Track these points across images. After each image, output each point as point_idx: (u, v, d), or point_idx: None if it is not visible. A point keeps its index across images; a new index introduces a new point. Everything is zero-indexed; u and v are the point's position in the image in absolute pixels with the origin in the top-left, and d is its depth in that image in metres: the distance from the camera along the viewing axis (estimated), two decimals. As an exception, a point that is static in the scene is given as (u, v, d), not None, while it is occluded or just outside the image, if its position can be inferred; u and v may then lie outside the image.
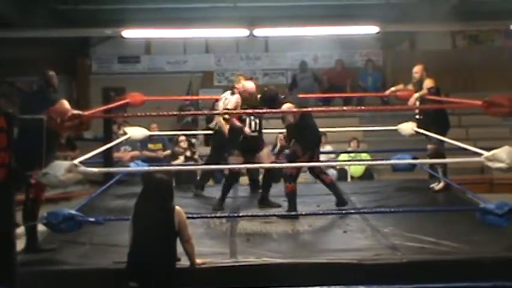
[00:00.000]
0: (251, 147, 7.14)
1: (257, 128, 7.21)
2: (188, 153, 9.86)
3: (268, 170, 7.23)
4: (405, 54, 14.44)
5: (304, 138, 6.78)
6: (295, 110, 6.76)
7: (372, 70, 14.48)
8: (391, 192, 7.61)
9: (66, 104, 5.57)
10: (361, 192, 7.34)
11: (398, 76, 12.74)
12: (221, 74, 15.12)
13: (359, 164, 10.67)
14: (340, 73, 14.18)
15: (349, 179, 10.73)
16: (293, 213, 6.60)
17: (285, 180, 6.83)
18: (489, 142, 8.90)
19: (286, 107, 6.74)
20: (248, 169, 7.90)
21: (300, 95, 8.03)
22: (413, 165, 8.19)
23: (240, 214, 6.72)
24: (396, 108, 10.35)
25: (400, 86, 8.47)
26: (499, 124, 12.95)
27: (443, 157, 7.76)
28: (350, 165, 6.71)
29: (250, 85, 7.39)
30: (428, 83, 7.82)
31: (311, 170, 7.22)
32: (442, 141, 7.58)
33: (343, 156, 10.40)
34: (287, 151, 7.50)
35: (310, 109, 6.80)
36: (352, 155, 10.52)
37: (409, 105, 7.91)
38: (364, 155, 10.56)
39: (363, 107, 11.25)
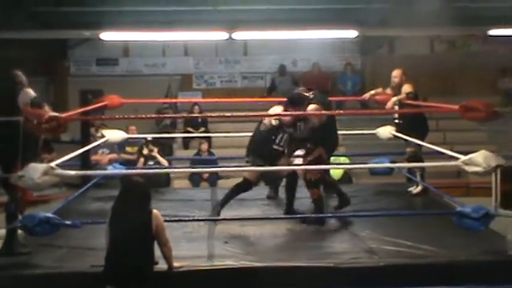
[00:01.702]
0: (273, 160, 6.73)
1: (285, 143, 6.80)
2: (145, 151, 9.73)
3: (289, 180, 6.91)
4: (384, 58, 14.54)
5: (329, 141, 6.63)
6: (272, 114, 6.75)
7: (351, 74, 14.55)
8: (369, 196, 7.63)
9: (31, 92, 5.55)
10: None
11: (377, 80, 12.79)
12: (200, 77, 15.11)
13: (337, 168, 10.68)
14: (317, 77, 14.21)
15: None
16: (271, 217, 6.60)
17: (309, 187, 6.67)
18: (466, 146, 9.00)
19: (311, 108, 6.56)
20: (270, 179, 7.66)
21: (278, 99, 8.02)
22: (392, 169, 8.25)
23: (218, 217, 6.72)
24: (375, 113, 10.40)
25: (379, 90, 8.51)
26: (476, 128, 13.10)
27: (421, 161, 7.81)
28: (328, 168, 6.74)
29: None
30: (406, 88, 7.87)
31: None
32: (420, 145, 7.63)
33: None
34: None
35: (287, 113, 6.73)
36: (330, 158, 10.53)
37: (388, 109, 7.95)
38: (342, 159, 10.56)
39: (341, 111, 11.30)
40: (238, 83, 15.15)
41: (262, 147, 6.74)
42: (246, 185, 6.81)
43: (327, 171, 6.99)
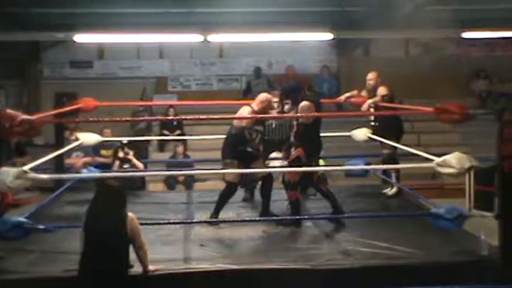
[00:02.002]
0: (248, 158, 6.74)
1: (258, 144, 6.89)
2: (121, 154, 9.68)
3: (265, 181, 6.88)
4: (359, 61, 14.60)
5: (311, 143, 6.59)
6: (249, 116, 6.76)
7: (328, 76, 14.59)
8: (344, 198, 7.66)
9: None
10: (315, 198, 7.37)
11: (353, 82, 12.84)
12: (175, 79, 15.06)
13: (313, 170, 10.71)
14: (292, 79, 14.22)
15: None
16: (247, 219, 6.60)
17: (286, 188, 6.66)
18: (440, 148, 9.09)
19: (303, 105, 6.52)
20: (245, 181, 7.57)
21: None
22: (367, 171, 8.28)
23: (194, 220, 6.70)
24: (350, 115, 10.44)
25: (355, 92, 8.55)
26: (450, 130, 13.23)
27: (397, 163, 7.87)
28: (304, 171, 6.74)
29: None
30: (382, 90, 7.93)
31: (307, 179, 6.88)
32: (396, 147, 7.69)
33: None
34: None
35: (259, 116, 6.74)
36: (319, 160, 10.54)
37: (363, 111, 8.00)
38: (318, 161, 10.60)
39: (316, 113, 11.31)
40: (213, 86, 15.14)
41: (235, 150, 6.75)
42: (231, 189, 6.81)
43: (323, 178, 6.93)
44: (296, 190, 6.61)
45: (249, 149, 6.74)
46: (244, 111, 6.87)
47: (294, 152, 6.56)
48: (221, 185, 11.66)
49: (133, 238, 4.87)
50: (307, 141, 6.55)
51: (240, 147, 6.72)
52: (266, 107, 6.84)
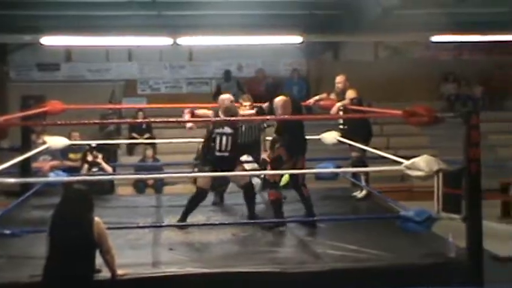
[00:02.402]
0: (222, 165, 6.62)
1: (228, 147, 6.68)
2: (89, 158, 9.62)
3: (248, 186, 6.78)
4: (328, 64, 14.70)
5: (291, 141, 6.48)
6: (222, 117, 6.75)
7: (297, 79, 14.64)
8: (314, 201, 7.62)
9: None
10: (285, 202, 7.37)
11: (322, 85, 12.95)
12: (145, 82, 15.00)
13: (282, 173, 10.76)
14: (262, 82, 14.24)
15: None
16: (216, 222, 6.59)
17: (266, 188, 6.61)
18: (409, 151, 9.13)
19: (279, 100, 6.44)
20: (215, 185, 7.54)
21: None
22: (337, 174, 8.31)
23: (163, 224, 6.67)
24: (319, 118, 10.48)
25: (324, 96, 8.58)
26: (419, 133, 13.36)
27: (366, 166, 7.91)
28: (273, 174, 6.75)
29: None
30: (350, 93, 7.97)
31: (291, 179, 6.84)
32: (365, 150, 7.73)
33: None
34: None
35: (228, 118, 6.73)
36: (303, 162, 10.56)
37: (332, 114, 8.03)
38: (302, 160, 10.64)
39: (286, 116, 11.34)
40: (183, 89, 15.10)
41: (205, 155, 6.75)
42: (201, 194, 6.77)
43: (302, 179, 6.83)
44: (277, 189, 6.57)
45: (220, 154, 6.68)
46: (208, 114, 6.89)
47: (276, 151, 6.50)
48: (191, 189, 11.70)
49: (100, 242, 4.82)
50: (289, 139, 6.50)
51: (210, 153, 6.70)
52: (229, 109, 6.79)
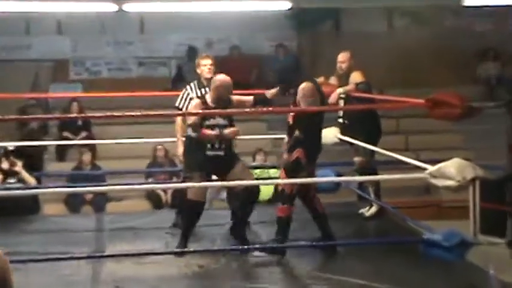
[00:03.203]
0: (217, 168, 6.78)
1: (223, 144, 6.82)
2: (5, 165, 9.58)
3: (248, 191, 6.83)
4: (327, 38, 14.71)
5: (312, 140, 6.60)
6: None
7: (284, 59, 14.62)
8: (308, 221, 7.69)
9: None
10: (269, 221, 7.37)
11: (318, 66, 12.96)
12: (80, 63, 14.94)
13: (266, 184, 10.76)
14: (238, 63, 14.27)
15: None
16: (180, 250, 6.59)
17: (279, 200, 6.66)
18: (435, 153, 9.21)
19: (303, 87, 6.54)
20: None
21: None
22: (338, 184, 8.33)
23: (106, 253, 6.66)
24: (313, 110, 10.50)
25: (321, 80, 8.57)
26: (448, 129, 13.41)
27: (375, 173, 7.94)
28: (255, 185, 6.74)
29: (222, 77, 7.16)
30: (356, 76, 7.99)
31: (302, 190, 6.82)
32: (373, 152, 7.75)
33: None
34: None
35: (185, 112, 6.73)
36: (257, 171, 10.59)
37: (331, 104, 8.05)
38: (273, 172, 10.63)
39: (271, 108, 11.35)
40: (132, 72, 15.07)
41: (193, 157, 6.78)
42: (196, 208, 6.77)
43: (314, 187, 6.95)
44: (291, 204, 6.61)
45: (212, 153, 6.74)
46: (193, 104, 6.91)
47: (294, 153, 6.56)
48: (144, 206, 11.69)
49: (3, 285, 4.77)
50: (310, 138, 6.59)
51: (199, 153, 6.72)
52: (223, 94, 6.84)
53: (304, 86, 6.56)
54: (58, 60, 14.87)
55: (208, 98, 6.86)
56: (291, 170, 6.56)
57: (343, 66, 8.15)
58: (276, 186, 6.74)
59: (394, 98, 8.34)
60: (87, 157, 11.86)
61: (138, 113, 6.88)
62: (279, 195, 6.72)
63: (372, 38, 14.40)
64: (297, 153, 6.53)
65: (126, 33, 15.01)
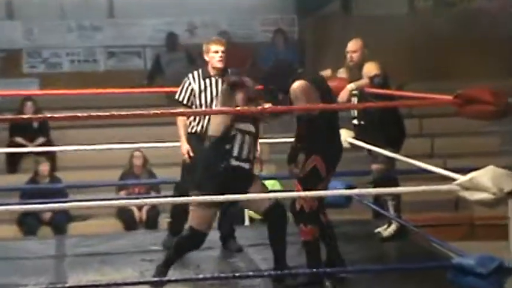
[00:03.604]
0: (235, 186, 6.55)
1: (251, 155, 6.77)
2: None
3: (271, 214, 6.73)
4: (335, 22, 14.70)
5: (329, 144, 6.62)
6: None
7: (283, 47, 14.65)
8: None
9: None
10: (267, 244, 7.35)
11: (324, 56, 12.96)
12: (35, 54, 14.95)
13: (264, 197, 10.78)
14: (227, 53, 14.21)
15: (247, 221, 10.80)
16: (159, 279, 6.57)
17: (298, 221, 6.61)
18: (466, 160, 9.20)
19: (296, 86, 6.51)
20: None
21: (167, 89, 8.00)
22: (349, 199, 8.32)
23: (68, 284, 6.64)
24: (319, 108, 10.49)
25: (327, 72, 8.58)
26: (481, 131, 13.40)
27: (396, 184, 7.92)
28: (248, 199, 6.68)
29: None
30: (370, 69, 7.97)
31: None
32: (394, 160, 7.74)
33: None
34: None
35: (175, 111, 6.70)
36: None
37: (341, 102, 8.04)
38: (271, 184, 10.63)
39: (265, 106, 11.35)
40: (100, 64, 15.08)
41: (210, 168, 6.65)
42: (196, 239, 6.66)
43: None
44: (315, 223, 6.59)
45: (237, 164, 6.67)
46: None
47: (308, 161, 6.55)
48: (115, 225, 11.70)
49: None
50: (325, 141, 6.59)
51: (219, 164, 6.62)
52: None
53: (295, 86, 6.53)
54: (8, 51, 14.88)
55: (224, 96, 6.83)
56: (308, 181, 6.53)
57: (355, 56, 8.13)
58: (292, 204, 6.65)
59: (417, 94, 8.32)
60: (44, 167, 11.84)
61: (107, 113, 6.79)
62: (297, 215, 6.63)
63: (389, 22, 14.39)
64: (314, 161, 6.54)
65: (92, 17, 15.00)
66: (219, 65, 7.54)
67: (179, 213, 7.62)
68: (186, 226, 6.80)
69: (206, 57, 7.68)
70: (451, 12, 15.24)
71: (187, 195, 6.69)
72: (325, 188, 6.63)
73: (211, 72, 7.59)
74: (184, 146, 7.52)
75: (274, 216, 6.68)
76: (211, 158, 6.62)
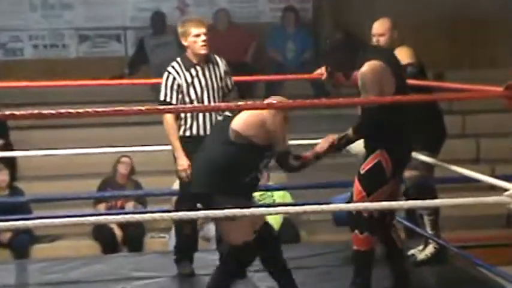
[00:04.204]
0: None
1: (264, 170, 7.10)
2: None
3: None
4: (357, -1, 14.75)
5: (399, 140, 6.70)
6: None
7: (295, 28, 14.67)
8: (332, 267, 7.72)
9: None
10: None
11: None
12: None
13: (270, 213, 10.79)
14: (226, 35, 14.27)
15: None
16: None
17: (354, 227, 6.75)
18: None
19: (366, 69, 6.58)
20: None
21: (154, 80, 8.01)
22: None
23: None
24: (342, 103, 10.50)
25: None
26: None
27: (434, 195, 7.91)
28: (252, 214, 6.68)
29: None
30: (402, 55, 7.95)
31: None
32: (432, 166, 7.74)
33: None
34: None
35: (165, 107, 6.73)
36: (256, 195, 10.58)
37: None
38: (281, 195, 10.65)
39: (275, 101, 11.36)
40: (70, 49, 15.10)
41: (232, 180, 6.67)
42: (246, 253, 6.74)
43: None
44: (372, 232, 6.71)
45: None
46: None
47: (371, 157, 6.68)
48: (88, 247, 11.71)
49: None
50: (394, 136, 6.69)
51: (243, 175, 6.68)
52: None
53: (366, 68, 6.59)
54: None
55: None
56: (370, 181, 6.63)
57: (382, 40, 8.13)
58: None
59: (459, 86, 8.31)
60: (2, 177, 11.85)
61: (81, 111, 6.77)
62: (353, 219, 6.77)
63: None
64: (378, 156, 6.63)
65: (61, -6, 15.04)
66: (203, 50, 7.56)
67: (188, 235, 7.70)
68: (227, 247, 6.83)
69: (184, 42, 7.68)
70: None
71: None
72: (392, 193, 6.72)
73: (194, 59, 7.60)
74: (184, 161, 7.47)
75: (262, 236, 6.75)
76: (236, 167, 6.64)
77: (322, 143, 6.71)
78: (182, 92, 7.57)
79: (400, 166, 6.75)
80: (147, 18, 14.59)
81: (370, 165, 6.64)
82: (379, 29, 8.15)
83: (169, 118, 7.55)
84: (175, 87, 7.54)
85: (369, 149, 6.71)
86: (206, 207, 6.47)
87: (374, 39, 8.17)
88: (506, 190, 5.90)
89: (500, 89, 6.09)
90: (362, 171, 6.69)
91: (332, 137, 6.65)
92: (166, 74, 7.66)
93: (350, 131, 6.64)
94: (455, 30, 14.26)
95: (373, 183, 6.58)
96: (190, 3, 15.18)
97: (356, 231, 6.71)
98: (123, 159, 11.68)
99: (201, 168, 6.67)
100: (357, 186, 6.73)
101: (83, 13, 15.11)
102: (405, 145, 6.79)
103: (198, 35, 7.54)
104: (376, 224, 6.71)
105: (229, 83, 7.84)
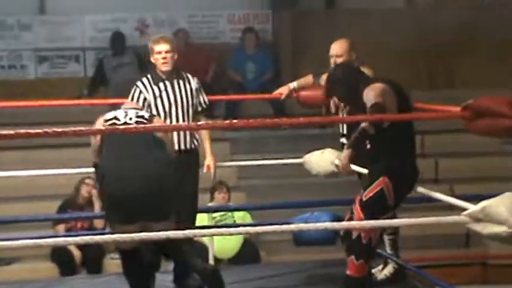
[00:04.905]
0: None
1: None
2: None
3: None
4: (317, 18, 14.75)
5: (402, 163, 6.75)
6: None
7: (255, 49, 14.67)
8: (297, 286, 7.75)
9: None
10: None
11: (303, 60, 13.00)
12: None
13: (230, 234, 10.77)
14: (186, 55, 14.25)
15: (211, 261, 10.83)
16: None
17: (350, 251, 6.77)
18: (477, 185, 9.20)
19: (373, 87, 6.65)
20: None
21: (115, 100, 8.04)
22: (336, 233, 8.33)
23: None
24: (299, 123, 10.52)
25: (309, 79, 8.62)
26: (495, 151, 13.45)
27: (393, 216, 7.94)
28: (212, 235, 6.67)
29: None
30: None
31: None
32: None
33: (200, 220, 10.48)
34: None
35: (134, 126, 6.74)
36: (216, 216, 10.58)
37: (326, 116, 8.05)
38: (241, 216, 10.64)
39: (235, 121, 11.35)
40: (29, 70, 15.02)
41: None
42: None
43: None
44: (368, 259, 6.77)
45: None
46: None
47: (373, 183, 6.71)
48: (47, 271, 11.65)
49: None
50: (396, 159, 6.73)
51: None
52: None
53: (375, 85, 6.71)
54: None
55: None
56: (372, 209, 6.66)
57: (339, 61, 8.14)
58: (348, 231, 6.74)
59: (418, 105, 8.36)
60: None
61: (39, 131, 6.77)
62: (351, 244, 6.78)
63: (381, 18, 14.46)
64: (381, 183, 6.65)
65: (19, 14, 14.97)
66: (164, 67, 7.70)
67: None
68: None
69: (152, 59, 7.83)
70: (455, 7, 15.26)
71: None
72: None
73: (163, 75, 7.70)
74: None
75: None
76: None
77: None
78: (149, 106, 7.64)
79: (402, 194, 6.85)
80: (107, 39, 14.55)
81: (372, 193, 6.68)
82: (338, 50, 8.16)
83: None
84: (141, 100, 7.61)
85: (371, 172, 6.78)
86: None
87: (332, 60, 8.18)
88: (465, 210, 5.93)
89: (457, 109, 6.13)
90: (364, 198, 6.73)
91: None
92: (134, 87, 7.80)
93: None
94: (413, 52, 14.32)
95: (375, 212, 6.62)
96: (150, 23, 15.15)
97: (352, 257, 6.73)
98: (87, 180, 11.62)
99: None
100: (358, 212, 6.77)
101: (41, 34, 15.05)
102: (409, 172, 6.83)
103: (159, 52, 7.71)
104: (373, 252, 6.73)
105: (202, 100, 7.97)
